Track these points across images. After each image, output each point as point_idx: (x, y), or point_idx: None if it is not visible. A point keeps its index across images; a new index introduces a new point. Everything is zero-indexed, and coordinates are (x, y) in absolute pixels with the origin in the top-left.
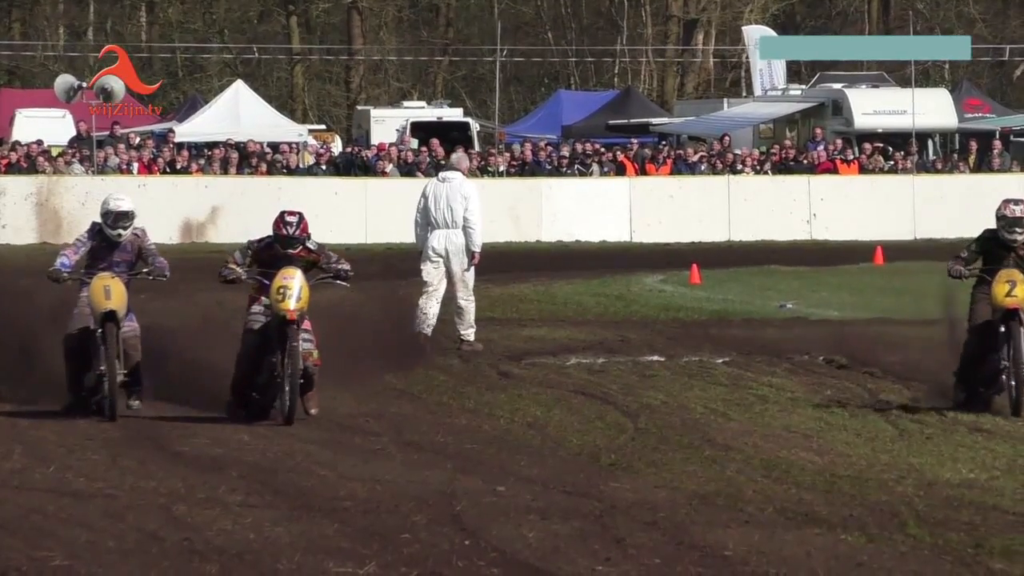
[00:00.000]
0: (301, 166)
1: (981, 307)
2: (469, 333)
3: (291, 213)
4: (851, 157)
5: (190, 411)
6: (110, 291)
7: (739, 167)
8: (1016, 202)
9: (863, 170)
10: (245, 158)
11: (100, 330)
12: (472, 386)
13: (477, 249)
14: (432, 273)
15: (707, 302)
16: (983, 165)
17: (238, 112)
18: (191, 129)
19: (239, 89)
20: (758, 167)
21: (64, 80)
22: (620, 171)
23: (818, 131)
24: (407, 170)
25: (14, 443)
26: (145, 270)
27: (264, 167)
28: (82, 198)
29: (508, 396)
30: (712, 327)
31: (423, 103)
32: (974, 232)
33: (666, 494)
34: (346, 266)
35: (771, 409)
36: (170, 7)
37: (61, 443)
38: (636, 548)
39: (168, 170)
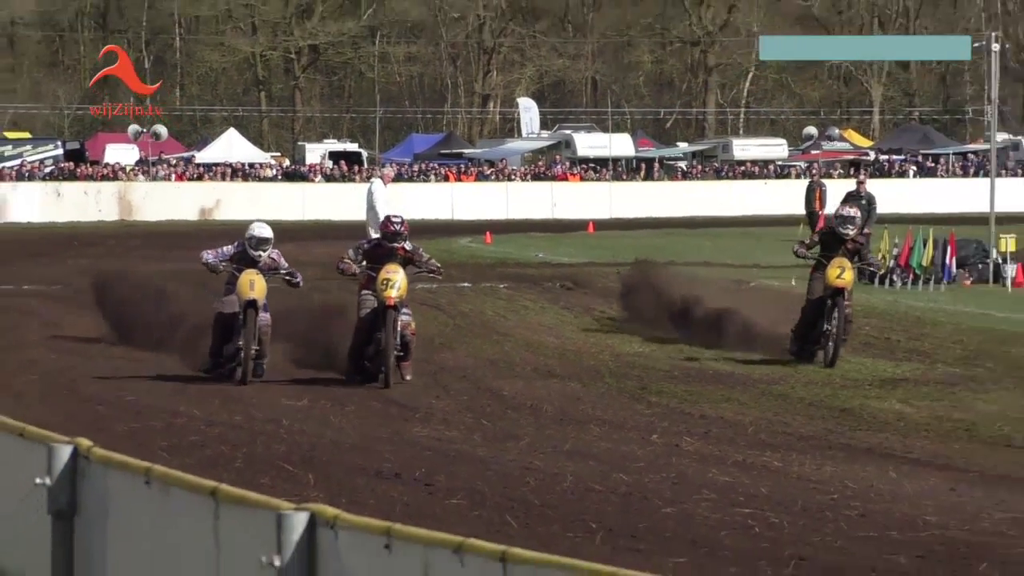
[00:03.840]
0: (266, 176)
1: (816, 284)
2: None
3: (395, 216)
4: (576, 171)
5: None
6: (254, 284)
7: (513, 178)
8: (849, 205)
9: (583, 179)
10: (235, 171)
11: (243, 314)
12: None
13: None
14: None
15: (495, 253)
16: (649, 177)
17: (231, 146)
18: (205, 156)
19: (231, 133)
20: (524, 177)
21: (133, 127)
22: (446, 180)
23: (558, 157)
24: (328, 179)
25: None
26: (282, 271)
27: (246, 177)
28: (144, 195)
29: None
30: (498, 267)
31: (335, 140)
32: (644, 214)
33: (471, 361)
34: (437, 264)
35: (531, 313)
36: (193, 86)
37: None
38: (455, 391)
39: (192, 179)
